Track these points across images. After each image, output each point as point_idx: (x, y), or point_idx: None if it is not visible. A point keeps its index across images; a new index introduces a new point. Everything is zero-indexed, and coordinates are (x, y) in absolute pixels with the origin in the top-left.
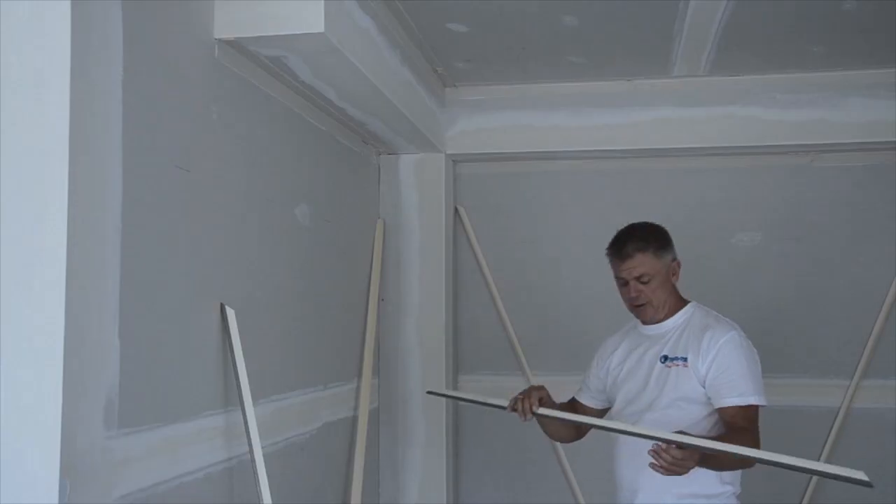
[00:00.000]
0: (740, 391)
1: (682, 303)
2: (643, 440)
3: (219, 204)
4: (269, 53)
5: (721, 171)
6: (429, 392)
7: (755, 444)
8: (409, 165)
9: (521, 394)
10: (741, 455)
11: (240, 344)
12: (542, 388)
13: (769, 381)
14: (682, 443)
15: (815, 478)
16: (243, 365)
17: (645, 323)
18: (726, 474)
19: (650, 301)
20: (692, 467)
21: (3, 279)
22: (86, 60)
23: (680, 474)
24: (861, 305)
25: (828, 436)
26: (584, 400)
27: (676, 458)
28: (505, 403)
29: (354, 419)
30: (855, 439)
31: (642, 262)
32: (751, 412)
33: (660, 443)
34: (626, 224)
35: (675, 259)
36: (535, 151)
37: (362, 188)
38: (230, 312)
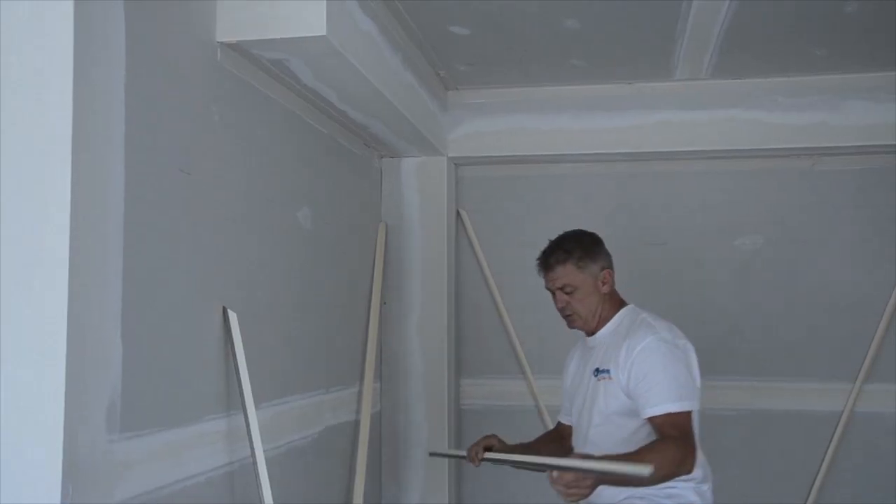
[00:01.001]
0: (658, 400)
1: (617, 310)
2: (595, 448)
3: (220, 207)
4: (270, 56)
5: (723, 174)
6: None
7: (684, 451)
8: (410, 168)
9: (473, 444)
10: (560, 466)
11: (242, 347)
12: (492, 436)
13: (771, 385)
14: (562, 466)
15: (818, 479)
16: (245, 368)
17: (584, 331)
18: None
19: (576, 312)
20: (591, 487)
21: (5, 281)
22: (88, 62)
23: (585, 496)
24: (863, 308)
25: (830, 439)
26: (564, 420)
27: (570, 482)
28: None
29: (356, 423)
30: (857, 443)
31: (564, 274)
32: (678, 419)
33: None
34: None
35: (604, 268)
36: (537, 154)
37: (364, 191)
38: (232, 316)
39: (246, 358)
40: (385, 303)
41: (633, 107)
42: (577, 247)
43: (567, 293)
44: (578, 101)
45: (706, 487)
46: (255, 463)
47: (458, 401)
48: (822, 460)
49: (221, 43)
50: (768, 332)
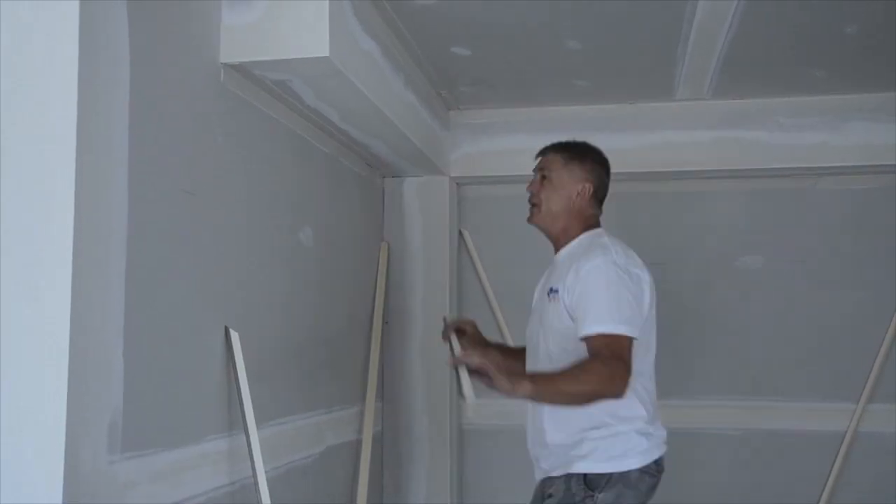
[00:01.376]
0: (593, 320)
1: (584, 231)
2: (537, 417)
3: (223, 227)
4: (273, 77)
5: (724, 194)
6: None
7: (612, 371)
8: (412, 188)
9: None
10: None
11: (244, 367)
12: (470, 322)
13: (774, 405)
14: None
15: (823, 500)
16: (247, 388)
17: (537, 227)
18: (622, 408)
19: (540, 202)
20: (511, 389)
21: (8, 299)
22: (92, 83)
23: (508, 391)
24: (865, 328)
25: (834, 460)
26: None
27: (474, 362)
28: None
29: (358, 442)
30: (861, 463)
31: (550, 162)
32: (613, 341)
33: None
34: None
35: (588, 181)
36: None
37: (366, 211)
38: (234, 335)
39: (247, 377)
40: (387, 322)
41: (635, 127)
42: (575, 148)
43: (542, 178)
44: (580, 121)
45: (652, 429)
46: (256, 483)
47: (460, 421)
48: (827, 480)
49: (225, 64)
50: (770, 351)
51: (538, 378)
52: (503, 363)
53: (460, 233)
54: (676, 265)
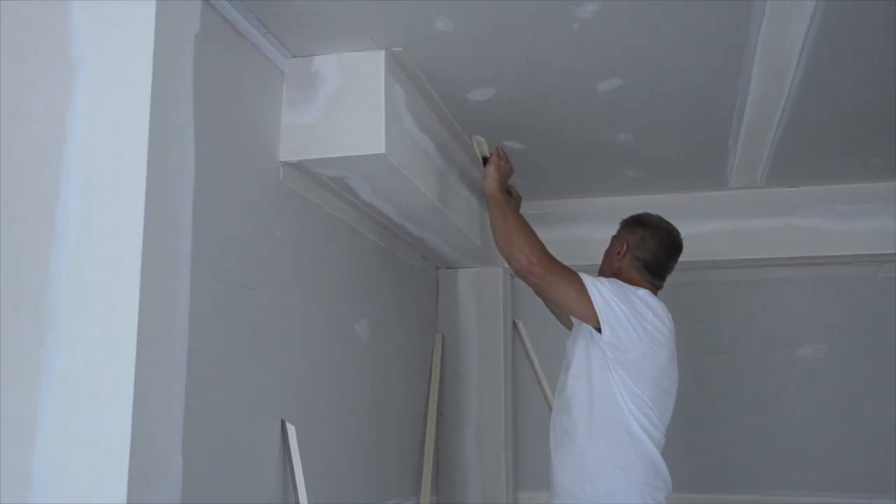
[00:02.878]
0: None
1: None
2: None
3: (281, 320)
4: (330, 174)
5: (783, 281)
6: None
7: (530, 249)
8: (466, 279)
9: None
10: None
11: (299, 460)
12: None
13: (841, 501)
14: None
15: None
16: (303, 481)
17: None
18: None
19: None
20: (487, 183)
21: (71, 400)
22: (159, 182)
23: (485, 182)
24: None
25: None
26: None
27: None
28: None
29: None
30: None
31: (617, 232)
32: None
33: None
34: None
35: (629, 245)
36: (593, 265)
37: (421, 302)
38: (290, 429)
39: (303, 470)
40: (442, 414)
41: (689, 215)
42: (633, 219)
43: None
44: (634, 211)
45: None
46: None
47: None
48: None
49: (284, 162)
50: (836, 446)
51: (506, 204)
52: (507, 172)
53: (514, 323)
54: (737, 354)
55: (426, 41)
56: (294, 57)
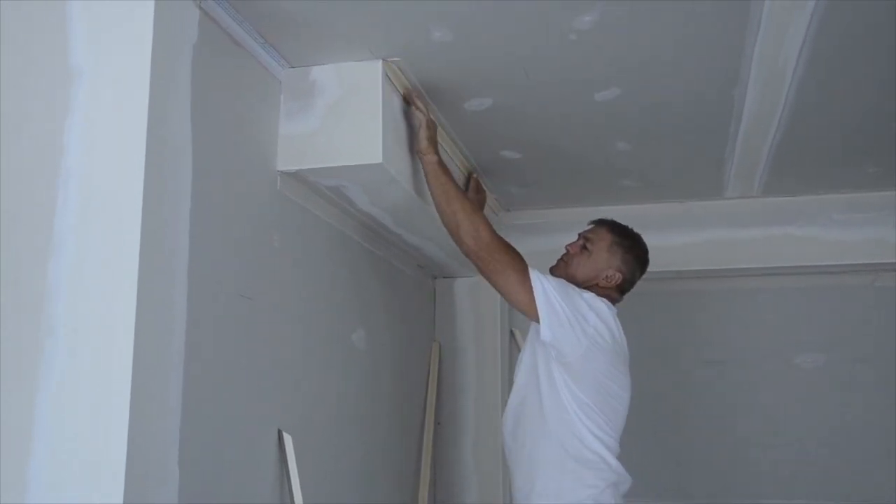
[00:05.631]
0: None
1: None
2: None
3: (278, 330)
4: (328, 183)
5: (779, 291)
6: None
7: (475, 230)
8: (464, 288)
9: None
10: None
11: (296, 470)
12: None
13: None
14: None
15: None
16: (299, 491)
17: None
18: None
19: (570, 262)
20: (420, 148)
21: (69, 407)
22: (158, 193)
23: (419, 148)
24: None
25: None
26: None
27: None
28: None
29: None
30: None
31: (600, 236)
32: (513, 253)
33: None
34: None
35: (621, 271)
36: None
37: (418, 311)
38: (287, 438)
39: (300, 480)
40: (439, 423)
41: (685, 225)
42: (628, 237)
43: (583, 246)
44: (630, 220)
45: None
46: None
47: None
48: None
49: (281, 171)
50: (835, 454)
51: (444, 174)
52: (434, 135)
53: (511, 332)
54: (734, 364)
55: (423, 51)
56: (292, 67)
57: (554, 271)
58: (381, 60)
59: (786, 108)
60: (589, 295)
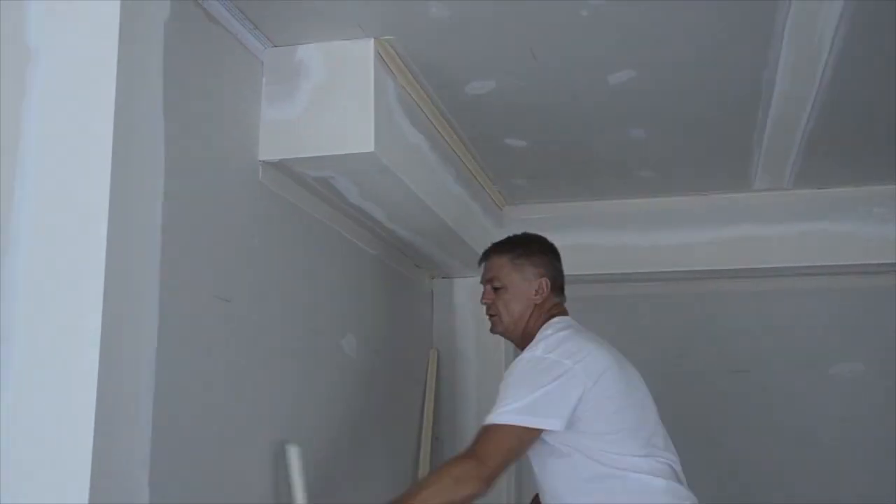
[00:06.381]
0: (493, 410)
1: (543, 324)
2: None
3: (259, 335)
4: (315, 174)
5: (813, 292)
6: None
7: (463, 470)
8: (464, 290)
9: None
10: None
11: (301, 482)
12: None
13: None
14: None
15: None
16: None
17: (512, 342)
18: None
19: (499, 313)
20: None
21: (35, 420)
22: (126, 184)
23: None
24: None
25: None
26: None
27: None
28: None
29: None
30: None
31: (497, 266)
32: (493, 433)
33: None
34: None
35: (542, 276)
36: (602, 273)
37: (414, 315)
38: (293, 451)
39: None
40: (437, 438)
41: (709, 220)
42: (520, 245)
43: (495, 288)
44: (647, 215)
45: None
46: None
47: None
48: None
49: (263, 161)
50: (871, 470)
51: None
52: None
53: None
54: (761, 373)
55: (420, 29)
56: (274, 46)
57: (493, 330)
58: (372, 39)
59: (820, 90)
60: (542, 345)
